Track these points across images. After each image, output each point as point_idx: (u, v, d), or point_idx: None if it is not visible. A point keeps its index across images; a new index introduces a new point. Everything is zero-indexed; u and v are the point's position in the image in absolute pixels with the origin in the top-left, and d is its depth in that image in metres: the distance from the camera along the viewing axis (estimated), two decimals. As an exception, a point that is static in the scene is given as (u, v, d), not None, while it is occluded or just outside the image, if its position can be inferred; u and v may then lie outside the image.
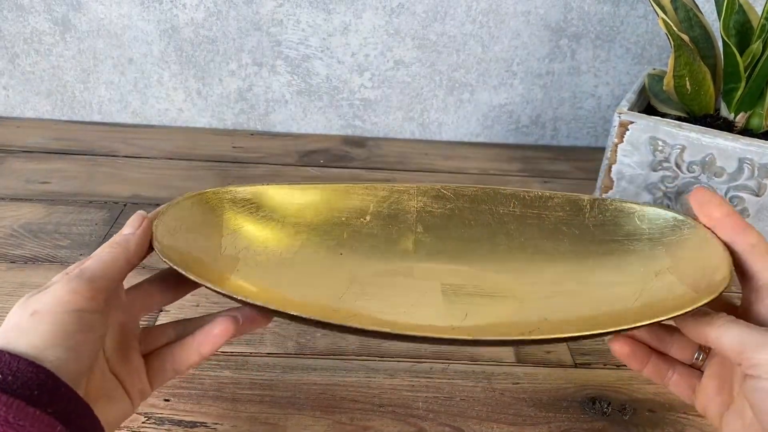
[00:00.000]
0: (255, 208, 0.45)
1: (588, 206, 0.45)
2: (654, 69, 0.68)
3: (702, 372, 0.39)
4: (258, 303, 0.34)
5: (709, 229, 0.39)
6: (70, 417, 0.28)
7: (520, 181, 0.75)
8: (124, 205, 0.65)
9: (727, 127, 0.59)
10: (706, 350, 0.39)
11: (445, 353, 0.50)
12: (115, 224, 0.62)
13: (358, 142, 0.82)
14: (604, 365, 0.50)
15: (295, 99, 0.81)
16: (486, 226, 0.46)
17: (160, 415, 0.43)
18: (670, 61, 0.57)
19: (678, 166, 0.58)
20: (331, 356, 0.49)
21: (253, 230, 0.45)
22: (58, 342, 0.29)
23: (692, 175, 0.58)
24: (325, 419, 0.44)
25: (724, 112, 0.60)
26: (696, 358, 0.39)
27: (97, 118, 0.82)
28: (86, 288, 0.31)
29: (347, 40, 0.77)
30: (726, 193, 0.57)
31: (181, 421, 0.43)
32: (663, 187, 0.60)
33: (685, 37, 0.55)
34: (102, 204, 0.65)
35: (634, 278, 0.42)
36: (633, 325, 0.34)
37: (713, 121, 0.60)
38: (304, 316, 0.33)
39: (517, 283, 0.44)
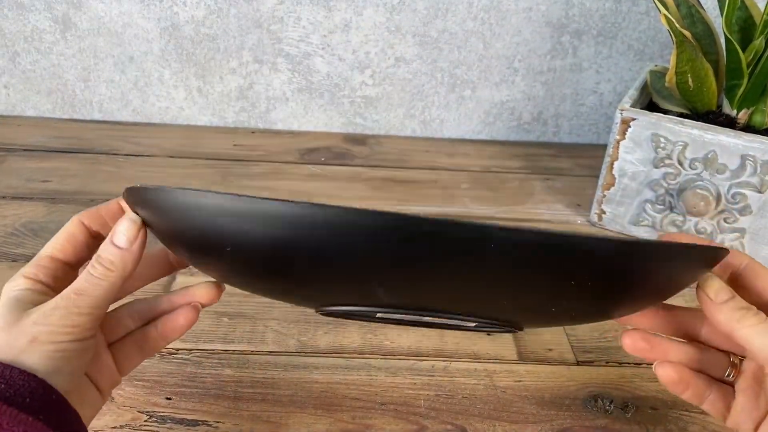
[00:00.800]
0: None
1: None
2: (656, 65, 0.67)
3: (733, 388, 0.37)
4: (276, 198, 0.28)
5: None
6: (60, 423, 0.28)
7: (522, 179, 0.75)
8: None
9: (730, 123, 0.59)
10: (736, 367, 0.38)
11: (447, 351, 0.50)
12: (116, 223, 0.62)
13: (360, 139, 0.82)
14: (607, 363, 0.50)
15: (296, 97, 0.81)
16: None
17: (162, 414, 0.43)
18: (672, 58, 0.57)
19: (680, 163, 0.58)
20: (333, 354, 0.49)
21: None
22: (58, 370, 0.30)
23: (694, 172, 0.58)
24: (327, 417, 0.44)
25: (727, 108, 0.60)
26: (726, 375, 0.38)
27: (97, 116, 0.82)
28: (86, 320, 0.31)
29: (348, 38, 0.77)
30: (728, 190, 0.57)
31: (183, 419, 0.43)
32: (665, 184, 0.60)
33: (688, 34, 0.55)
34: (103, 202, 0.65)
35: None
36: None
37: (716, 118, 0.60)
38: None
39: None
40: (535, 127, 0.83)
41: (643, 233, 0.63)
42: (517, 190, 0.73)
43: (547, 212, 0.69)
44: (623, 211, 0.63)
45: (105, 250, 0.32)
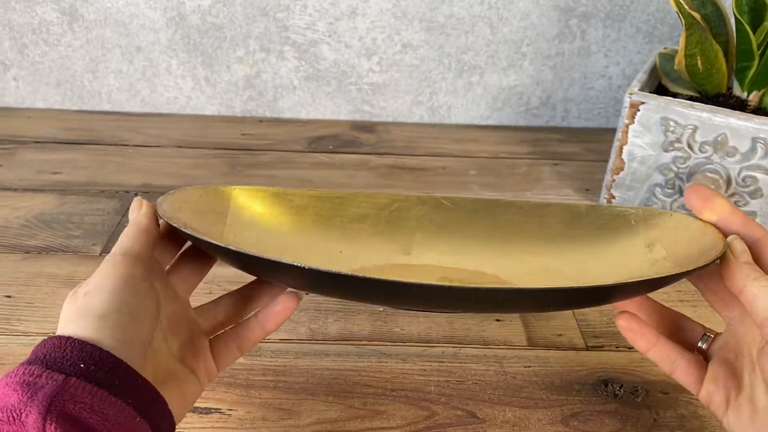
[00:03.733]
0: (257, 206, 0.45)
1: (585, 212, 0.45)
2: (665, 48, 0.67)
3: (706, 360, 0.38)
4: (265, 256, 0.33)
5: (710, 224, 0.38)
6: (147, 407, 0.29)
7: (531, 164, 0.75)
8: (135, 194, 0.65)
9: (740, 106, 0.58)
10: (711, 334, 0.39)
11: (457, 337, 0.50)
12: (126, 213, 0.62)
13: (367, 127, 0.82)
14: (616, 348, 0.50)
15: (303, 85, 0.81)
16: (484, 233, 0.47)
17: (175, 402, 0.44)
18: (682, 40, 0.56)
19: (690, 146, 0.58)
20: (343, 341, 0.49)
21: (252, 227, 0.45)
22: (115, 308, 0.31)
23: (704, 155, 0.57)
24: (338, 404, 0.44)
25: (737, 90, 0.60)
26: (701, 345, 0.39)
27: (106, 107, 0.82)
28: (124, 259, 0.33)
29: (355, 24, 0.76)
30: (739, 174, 0.56)
31: (196, 407, 0.43)
32: (675, 168, 0.59)
33: (697, 15, 0.54)
34: (113, 193, 0.66)
35: (630, 268, 0.42)
36: (629, 281, 0.35)
37: (726, 101, 0.59)
38: (311, 267, 0.32)
39: (512, 276, 0.45)
40: (543, 112, 0.83)
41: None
42: (526, 175, 0.73)
43: (556, 197, 0.69)
44: (633, 195, 0.63)
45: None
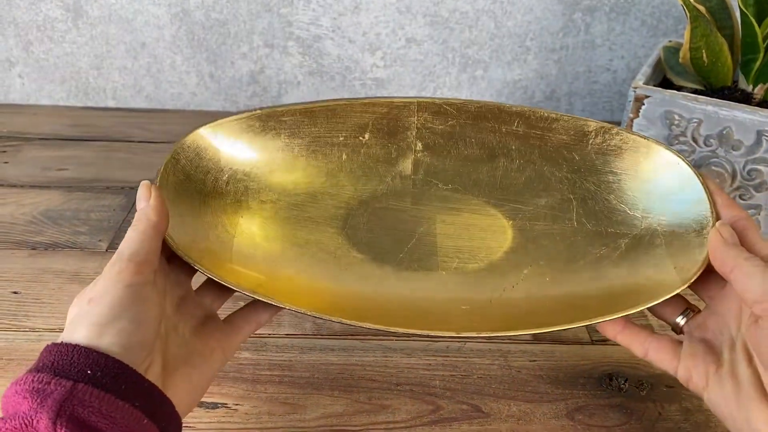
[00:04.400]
0: (251, 136, 0.44)
1: (593, 133, 0.44)
2: (670, 41, 0.67)
3: (682, 338, 0.39)
4: (259, 296, 0.36)
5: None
6: (154, 410, 0.30)
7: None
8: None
9: (746, 99, 0.58)
10: (694, 310, 0.40)
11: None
12: (132, 210, 0.62)
13: (372, 121, 0.82)
14: (621, 341, 0.50)
15: (307, 80, 0.81)
16: (487, 145, 0.45)
17: (181, 397, 0.44)
18: (686, 33, 0.56)
19: (695, 140, 0.57)
20: (349, 336, 0.50)
21: (248, 164, 0.44)
22: (117, 316, 0.31)
23: (709, 148, 0.57)
24: (344, 398, 0.45)
25: (742, 83, 0.59)
26: (679, 320, 0.40)
27: (111, 103, 0.83)
28: (129, 265, 0.33)
29: (358, 19, 0.76)
30: (744, 167, 0.56)
31: (202, 402, 0.44)
32: (680, 162, 0.59)
33: (702, 8, 0.54)
34: (119, 189, 0.66)
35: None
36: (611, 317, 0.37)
37: (731, 94, 0.59)
38: (289, 307, 0.36)
39: (508, 222, 0.44)
40: (547, 106, 0.83)
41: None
42: (531, 169, 0.73)
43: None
44: (637, 189, 0.63)
45: (135, 216, 0.36)
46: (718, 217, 0.39)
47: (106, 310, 0.31)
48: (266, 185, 0.45)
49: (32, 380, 0.28)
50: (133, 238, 0.34)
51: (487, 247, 0.44)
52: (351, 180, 0.45)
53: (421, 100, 0.45)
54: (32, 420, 0.27)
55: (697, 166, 0.58)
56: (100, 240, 0.59)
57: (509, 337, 0.50)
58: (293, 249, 0.43)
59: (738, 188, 0.58)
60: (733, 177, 0.57)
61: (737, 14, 0.57)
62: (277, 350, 0.48)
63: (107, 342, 0.30)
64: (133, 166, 0.70)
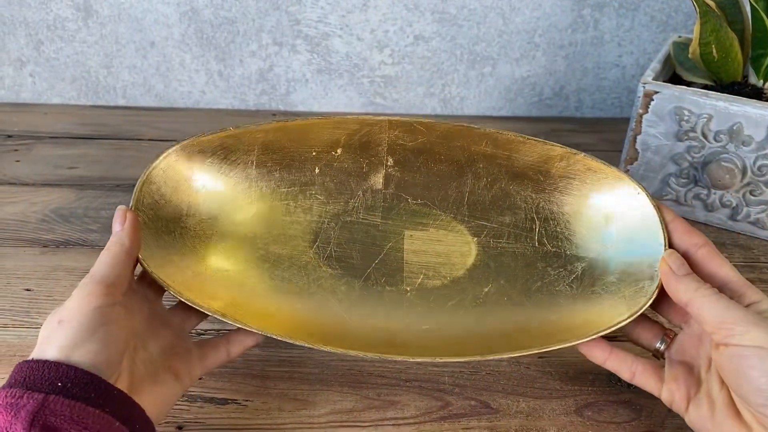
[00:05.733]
0: (226, 152, 0.45)
1: (558, 157, 0.45)
2: (679, 37, 0.66)
3: (661, 360, 0.40)
4: (230, 321, 0.38)
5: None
6: (124, 414, 0.31)
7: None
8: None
9: (756, 94, 0.58)
10: (669, 336, 0.40)
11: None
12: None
13: (380, 119, 0.82)
14: (631, 338, 0.50)
15: (316, 78, 0.81)
16: (456, 163, 0.46)
17: (192, 393, 0.44)
18: (696, 28, 0.56)
19: (704, 135, 0.57)
20: (358, 333, 0.50)
21: (221, 182, 0.45)
22: (85, 338, 0.33)
23: (719, 144, 0.57)
24: (353, 395, 0.45)
25: (753, 79, 0.59)
26: (659, 346, 0.40)
27: (121, 102, 0.83)
28: (98, 287, 0.34)
29: (366, 17, 0.76)
30: (754, 163, 0.56)
31: (212, 398, 0.44)
32: (689, 158, 0.59)
33: (712, 3, 0.54)
34: (128, 187, 0.66)
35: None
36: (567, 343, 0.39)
37: (741, 89, 0.59)
38: (250, 328, 0.38)
39: (473, 239, 0.46)
40: (556, 102, 0.83)
41: (667, 207, 0.63)
42: (539, 166, 0.73)
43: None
44: (647, 185, 0.63)
45: (110, 239, 0.38)
46: (670, 247, 0.40)
47: (75, 332, 0.33)
48: (239, 202, 0.46)
49: (5, 395, 0.30)
50: (104, 262, 0.36)
51: (451, 263, 0.46)
52: (323, 193, 0.47)
53: (392, 119, 0.46)
54: None
55: (707, 162, 0.58)
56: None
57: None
58: (265, 266, 0.45)
59: (748, 184, 0.57)
60: (744, 173, 0.57)
61: (747, 9, 0.57)
62: (286, 347, 0.48)
63: (75, 360, 0.32)
64: (142, 164, 0.70)
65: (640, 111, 0.59)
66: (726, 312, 0.34)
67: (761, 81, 0.58)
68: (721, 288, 0.37)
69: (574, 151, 0.45)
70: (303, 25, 0.77)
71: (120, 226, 0.38)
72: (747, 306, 0.36)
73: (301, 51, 0.79)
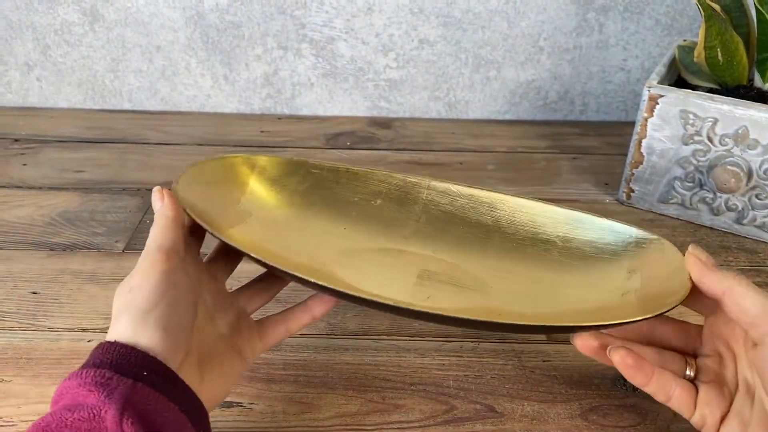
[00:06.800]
0: (276, 177, 0.49)
1: (584, 221, 0.46)
2: (684, 40, 0.66)
3: (695, 385, 0.39)
4: (236, 245, 0.39)
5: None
6: (195, 417, 0.32)
7: (549, 159, 0.75)
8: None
9: (761, 97, 0.58)
10: (692, 363, 0.39)
11: (475, 332, 0.50)
12: (148, 211, 0.63)
13: (385, 123, 0.82)
14: (636, 342, 0.49)
15: (321, 82, 0.81)
16: (484, 226, 0.48)
17: (197, 396, 0.44)
18: (701, 32, 0.56)
19: (710, 139, 0.57)
20: (362, 336, 0.50)
21: (268, 196, 0.48)
22: (158, 300, 0.33)
23: (725, 148, 0.57)
24: (358, 398, 0.45)
25: (758, 82, 0.59)
26: (686, 374, 0.39)
27: (127, 106, 0.83)
28: (159, 255, 0.35)
29: (371, 21, 0.77)
30: (760, 166, 0.56)
31: (217, 401, 0.44)
32: (694, 161, 0.59)
33: (717, 7, 0.54)
34: (134, 191, 0.67)
35: (604, 290, 0.43)
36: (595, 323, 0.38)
37: (747, 92, 0.59)
38: (273, 264, 0.38)
39: (491, 280, 0.46)
40: (561, 106, 0.83)
41: (672, 211, 0.63)
42: (545, 170, 0.73)
43: (574, 192, 0.68)
44: (652, 189, 0.63)
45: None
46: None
47: (146, 298, 0.33)
48: (275, 212, 0.48)
49: (94, 374, 0.30)
50: (156, 233, 0.37)
51: (457, 300, 0.46)
52: (354, 231, 0.49)
53: (432, 181, 0.50)
54: (100, 411, 0.28)
55: (712, 166, 0.58)
56: (116, 241, 0.60)
57: (523, 338, 0.50)
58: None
59: (754, 188, 0.57)
60: (749, 176, 0.57)
61: (753, 12, 0.57)
62: (291, 350, 0.48)
63: (150, 327, 0.32)
64: (148, 168, 0.71)
65: (646, 114, 0.59)
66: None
67: (766, 84, 0.58)
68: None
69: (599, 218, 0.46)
70: (308, 29, 0.77)
71: (160, 202, 0.39)
72: None
73: (306, 55, 0.79)
